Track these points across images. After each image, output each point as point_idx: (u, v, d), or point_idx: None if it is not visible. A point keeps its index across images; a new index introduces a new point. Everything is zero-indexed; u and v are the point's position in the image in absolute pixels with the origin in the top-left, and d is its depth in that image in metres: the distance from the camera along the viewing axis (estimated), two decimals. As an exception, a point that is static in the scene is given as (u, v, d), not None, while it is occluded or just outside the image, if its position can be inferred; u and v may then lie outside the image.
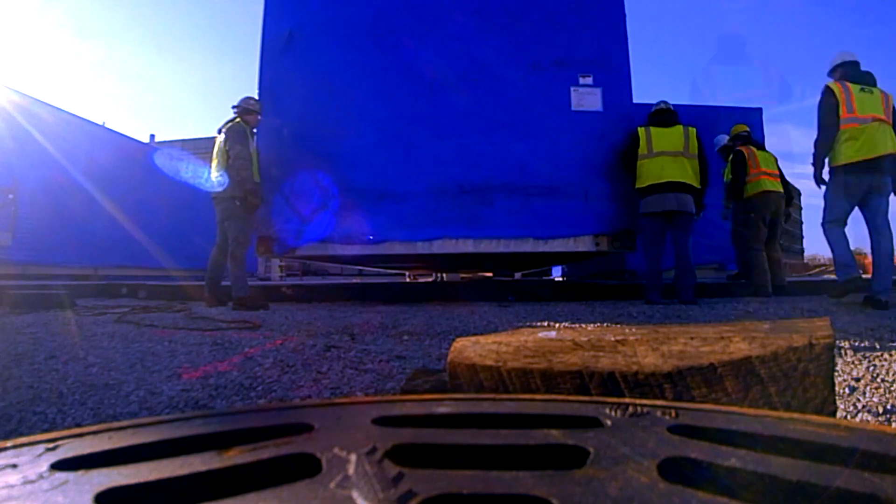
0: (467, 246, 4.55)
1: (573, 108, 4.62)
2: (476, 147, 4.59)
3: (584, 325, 2.88)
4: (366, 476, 0.40)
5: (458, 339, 0.98)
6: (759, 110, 7.76)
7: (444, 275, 9.91)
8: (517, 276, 10.73)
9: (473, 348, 0.93)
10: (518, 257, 5.31)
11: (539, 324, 3.03)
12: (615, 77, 4.70)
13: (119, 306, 4.40)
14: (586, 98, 4.63)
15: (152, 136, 21.75)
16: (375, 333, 2.57)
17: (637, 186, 4.47)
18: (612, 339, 0.85)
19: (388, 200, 4.55)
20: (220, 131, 4.56)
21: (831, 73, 4.10)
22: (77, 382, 1.52)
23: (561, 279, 9.78)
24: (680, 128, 4.46)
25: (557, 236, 4.55)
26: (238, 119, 4.52)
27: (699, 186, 4.43)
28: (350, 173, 4.56)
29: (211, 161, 4.59)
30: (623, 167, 4.56)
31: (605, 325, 2.95)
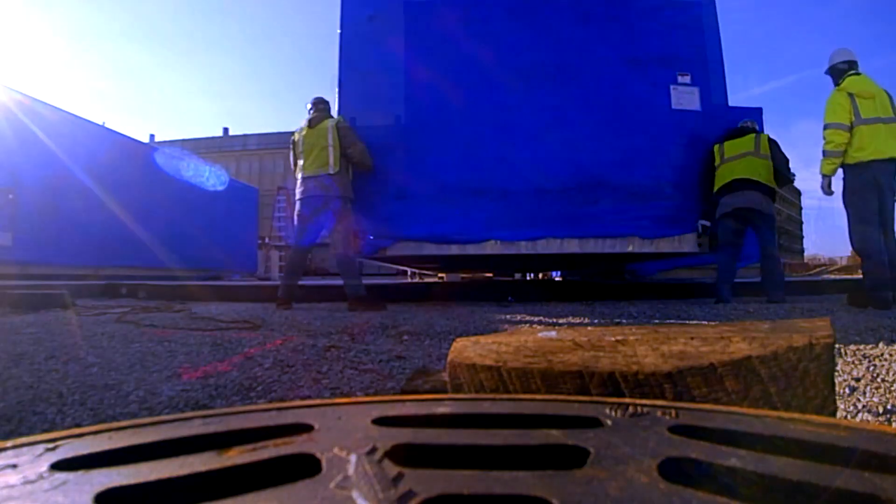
0: (572, 246, 4.38)
1: (673, 106, 4.51)
2: (579, 142, 4.43)
3: (584, 326, 2.88)
4: (366, 476, 0.40)
5: (458, 339, 0.98)
6: (759, 110, 7.75)
7: (444, 275, 9.87)
8: (517, 276, 10.71)
9: (473, 348, 0.93)
10: (590, 258, 5.12)
11: (539, 324, 3.03)
12: (711, 77, 4.63)
13: (119, 306, 4.40)
14: (685, 97, 4.54)
15: (152, 136, 21.77)
16: (375, 333, 2.57)
17: (714, 193, 4.44)
18: (612, 339, 0.85)
19: (488, 198, 4.35)
20: (311, 124, 4.28)
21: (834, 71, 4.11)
22: (77, 383, 1.52)
23: (560, 279, 9.78)
24: (752, 135, 4.45)
25: (664, 236, 4.42)
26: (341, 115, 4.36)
27: (772, 185, 4.35)
28: (443, 169, 4.37)
29: (305, 157, 4.26)
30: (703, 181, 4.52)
31: (605, 325, 2.95)
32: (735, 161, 4.35)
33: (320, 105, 4.40)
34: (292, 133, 4.49)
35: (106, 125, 11.32)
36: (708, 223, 4.49)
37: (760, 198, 4.28)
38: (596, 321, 3.14)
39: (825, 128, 3.94)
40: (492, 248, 4.39)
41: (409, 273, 10.44)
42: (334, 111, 4.56)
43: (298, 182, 4.30)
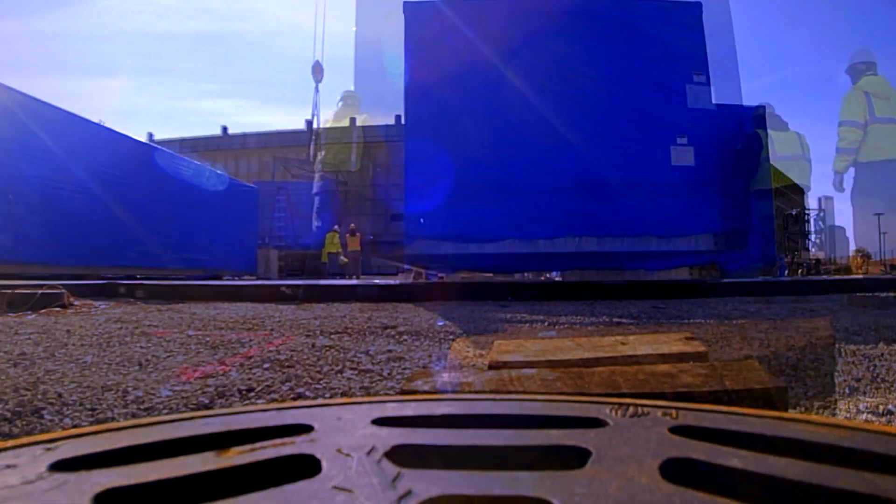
0: (591, 244, 4.42)
1: (689, 105, 4.51)
2: (597, 142, 4.45)
3: (584, 326, 2.88)
4: (366, 476, 0.40)
5: (458, 340, 0.98)
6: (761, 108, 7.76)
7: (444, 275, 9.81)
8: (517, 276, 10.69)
9: (473, 348, 0.92)
10: (608, 257, 5.15)
11: (539, 323, 3.03)
12: (725, 77, 4.76)
13: (118, 306, 4.39)
14: (700, 96, 4.54)
15: (151, 135, 21.72)
16: (375, 333, 2.57)
17: (759, 187, 4.46)
18: (612, 339, 0.85)
19: (506, 196, 4.36)
20: (337, 118, 4.25)
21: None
22: (75, 383, 1.52)
23: (560, 279, 9.76)
24: (796, 136, 4.50)
25: (681, 234, 4.44)
26: None
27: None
28: (463, 167, 4.38)
29: (327, 150, 4.24)
30: (741, 167, 4.53)
31: (605, 325, 2.95)
32: (787, 162, 4.34)
33: (348, 100, 4.38)
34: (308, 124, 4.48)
35: (105, 124, 11.30)
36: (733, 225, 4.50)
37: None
38: (596, 321, 3.14)
39: (840, 125, 4.04)
40: (510, 245, 4.40)
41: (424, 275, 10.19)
42: (359, 114, 4.56)
43: (317, 176, 4.28)
